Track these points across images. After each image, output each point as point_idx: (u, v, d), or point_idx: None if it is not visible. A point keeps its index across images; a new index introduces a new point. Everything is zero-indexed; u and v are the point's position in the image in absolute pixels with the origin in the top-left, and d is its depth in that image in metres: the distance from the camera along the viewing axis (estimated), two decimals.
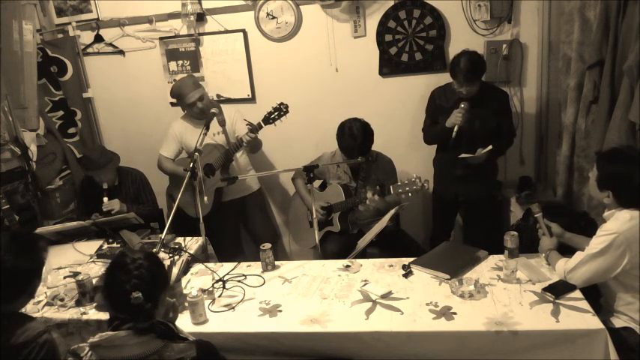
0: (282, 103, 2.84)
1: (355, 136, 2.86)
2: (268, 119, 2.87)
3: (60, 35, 3.72)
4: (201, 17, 3.51)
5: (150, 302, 1.51)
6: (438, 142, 3.13)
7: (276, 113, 2.86)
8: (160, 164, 3.34)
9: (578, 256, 2.02)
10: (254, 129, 2.95)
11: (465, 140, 2.91)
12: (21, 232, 2.68)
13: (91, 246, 2.85)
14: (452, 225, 3.34)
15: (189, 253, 2.59)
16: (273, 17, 3.46)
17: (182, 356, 1.50)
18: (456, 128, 2.83)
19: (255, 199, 3.50)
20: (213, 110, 2.88)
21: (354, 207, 2.99)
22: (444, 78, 3.13)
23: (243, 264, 2.56)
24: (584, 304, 1.95)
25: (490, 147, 2.85)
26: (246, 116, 3.27)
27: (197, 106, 3.13)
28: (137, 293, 1.47)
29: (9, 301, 1.69)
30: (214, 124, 3.09)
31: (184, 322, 2.02)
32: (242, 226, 3.59)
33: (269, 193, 3.90)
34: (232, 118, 3.25)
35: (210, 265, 2.53)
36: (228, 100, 3.66)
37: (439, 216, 3.31)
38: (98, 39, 3.70)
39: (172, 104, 3.78)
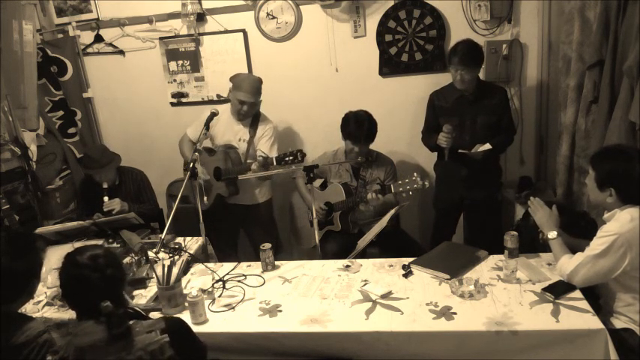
0: (300, 151, 2.70)
1: (361, 121, 2.91)
2: (281, 161, 2.73)
3: (60, 35, 3.72)
4: (201, 17, 3.51)
5: (117, 304, 1.55)
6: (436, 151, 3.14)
7: (291, 158, 2.70)
8: (181, 142, 3.30)
9: (579, 257, 2.01)
10: (265, 164, 2.83)
11: (466, 136, 2.91)
12: (18, 233, 2.68)
13: None
14: (454, 229, 3.32)
15: (189, 253, 2.59)
16: (273, 17, 3.46)
17: (151, 329, 1.55)
18: (446, 152, 2.88)
19: (260, 210, 3.34)
20: (213, 110, 2.87)
21: (355, 206, 3.00)
22: (444, 78, 3.13)
23: (243, 264, 2.56)
24: (584, 304, 1.94)
25: (488, 146, 2.85)
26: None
27: (242, 108, 3.05)
28: (106, 302, 1.50)
29: (8, 302, 1.69)
30: (245, 132, 3.13)
31: None
32: (244, 231, 3.49)
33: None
34: (265, 130, 3.14)
35: (210, 265, 2.54)
36: (228, 101, 3.65)
37: (442, 220, 3.28)
38: (98, 39, 3.70)
39: (172, 104, 3.79)
